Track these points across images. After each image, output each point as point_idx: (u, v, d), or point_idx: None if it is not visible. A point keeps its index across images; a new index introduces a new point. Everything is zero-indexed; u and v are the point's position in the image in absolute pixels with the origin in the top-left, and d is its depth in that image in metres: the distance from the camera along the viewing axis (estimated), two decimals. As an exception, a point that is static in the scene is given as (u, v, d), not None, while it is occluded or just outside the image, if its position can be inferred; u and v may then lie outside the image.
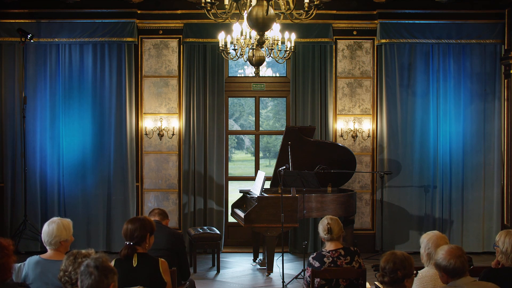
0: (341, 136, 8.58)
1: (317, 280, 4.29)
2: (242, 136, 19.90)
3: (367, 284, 4.49)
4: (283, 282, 6.50)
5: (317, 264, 4.34)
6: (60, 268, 3.20)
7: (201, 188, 8.50)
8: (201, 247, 7.53)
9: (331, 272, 4.28)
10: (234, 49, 6.18)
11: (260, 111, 9.55)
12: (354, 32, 8.62)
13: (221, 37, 6.22)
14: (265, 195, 7.33)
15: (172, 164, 8.61)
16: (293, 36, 6.36)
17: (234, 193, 8.89)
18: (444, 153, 8.49)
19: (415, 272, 3.34)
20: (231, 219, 8.50)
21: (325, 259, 4.35)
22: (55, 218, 3.85)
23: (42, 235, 3.79)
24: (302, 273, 6.94)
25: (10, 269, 3.15)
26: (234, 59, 6.45)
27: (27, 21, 8.40)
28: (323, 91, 8.53)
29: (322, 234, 4.45)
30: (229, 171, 9.70)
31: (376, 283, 3.75)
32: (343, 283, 4.30)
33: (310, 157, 7.54)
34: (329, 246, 4.44)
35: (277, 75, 11.22)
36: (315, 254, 4.44)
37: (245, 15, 5.42)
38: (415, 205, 8.46)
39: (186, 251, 4.93)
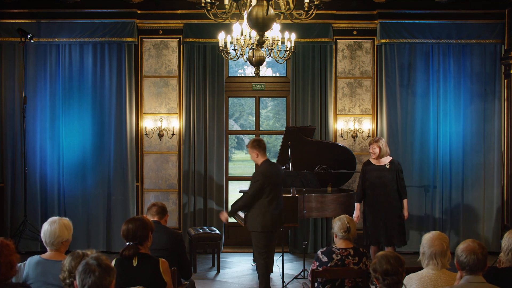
0: (341, 136, 8.58)
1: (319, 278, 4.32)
2: (242, 136, 19.90)
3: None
4: (283, 282, 6.51)
5: (325, 259, 4.38)
6: (63, 269, 3.17)
7: (201, 188, 8.50)
8: (201, 247, 7.54)
9: (331, 272, 4.28)
10: (234, 49, 6.17)
11: (260, 111, 9.55)
12: (354, 32, 8.62)
13: (221, 37, 6.22)
14: (265, 195, 7.32)
15: (172, 164, 8.61)
16: (293, 36, 6.35)
17: (234, 193, 8.88)
18: (444, 153, 8.49)
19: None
20: (231, 219, 8.47)
21: (334, 255, 4.39)
22: (55, 218, 3.84)
23: (43, 235, 3.76)
24: (302, 273, 6.95)
25: (15, 266, 3.16)
26: (234, 59, 6.45)
27: (27, 21, 8.40)
28: (323, 91, 8.53)
29: (338, 231, 4.47)
30: (229, 171, 9.69)
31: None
32: (349, 284, 4.31)
33: (310, 157, 7.53)
34: (340, 244, 4.49)
35: (277, 75, 11.22)
36: (324, 249, 4.49)
37: (245, 15, 5.42)
38: (415, 205, 8.44)
39: (186, 251, 4.92)
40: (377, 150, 6.91)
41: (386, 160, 6.96)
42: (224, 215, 6.49)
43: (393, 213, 6.89)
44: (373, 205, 6.95)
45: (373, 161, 7.01)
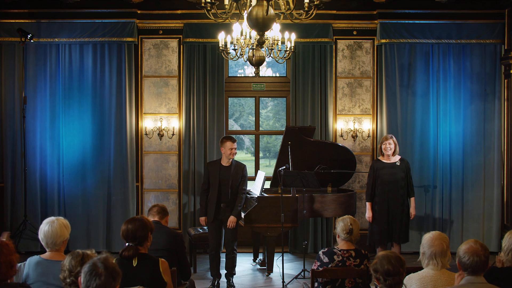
0: (341, 136, 8.58)
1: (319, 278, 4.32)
2: (242, 136, 19.87)
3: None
4: (283, 282, 6.50)
5: (326, 259, 4.37)
6: (63, 269, 3.15)
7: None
8: (201, 247, 7.52)
9: (331, 272, 4.28)
10: (234, 49, 6.17)
11: (260, 111, 9.55)
12: (354, 32, 8.62)
13: (221, 37, 6.21)
14: (265, 195, 7.33)
15: (172, 164, 8.61)
16: (293, 36, 6.35)
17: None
18: (444, 153, 8.49)
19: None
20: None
21: (335, 256, 4.38)
22: (52, 218, 3.81)
23: (43, 237, 3.73)
24: (302, 273, 6.95)
25: (14, 265, 3.16)
26: (234, 59, 6.44)
27: (27, 21, 8.40)
28: (323, 91, 8.53)
29: (341, 232, 4.47)
30: (229, 171, 9.67)
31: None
32: (349, 284, 4.31)
33: (310, 157, 7.53)
34: (342, 245, 4.48)
35: (277, 75, 11.21)
36: (326, 249, 4.48)
37: (245, 15, 5.42)
38: (415, 205, 8.43)
39: (186, 251, 4.92)
40: (393, 145, 7.06)
41: (396, 158, 7.11)
42: (233, 220, 6.60)
43: (403, 211, 7.07)
44: (383, 203, 7.05)
45: (384, 159, 7.12)
